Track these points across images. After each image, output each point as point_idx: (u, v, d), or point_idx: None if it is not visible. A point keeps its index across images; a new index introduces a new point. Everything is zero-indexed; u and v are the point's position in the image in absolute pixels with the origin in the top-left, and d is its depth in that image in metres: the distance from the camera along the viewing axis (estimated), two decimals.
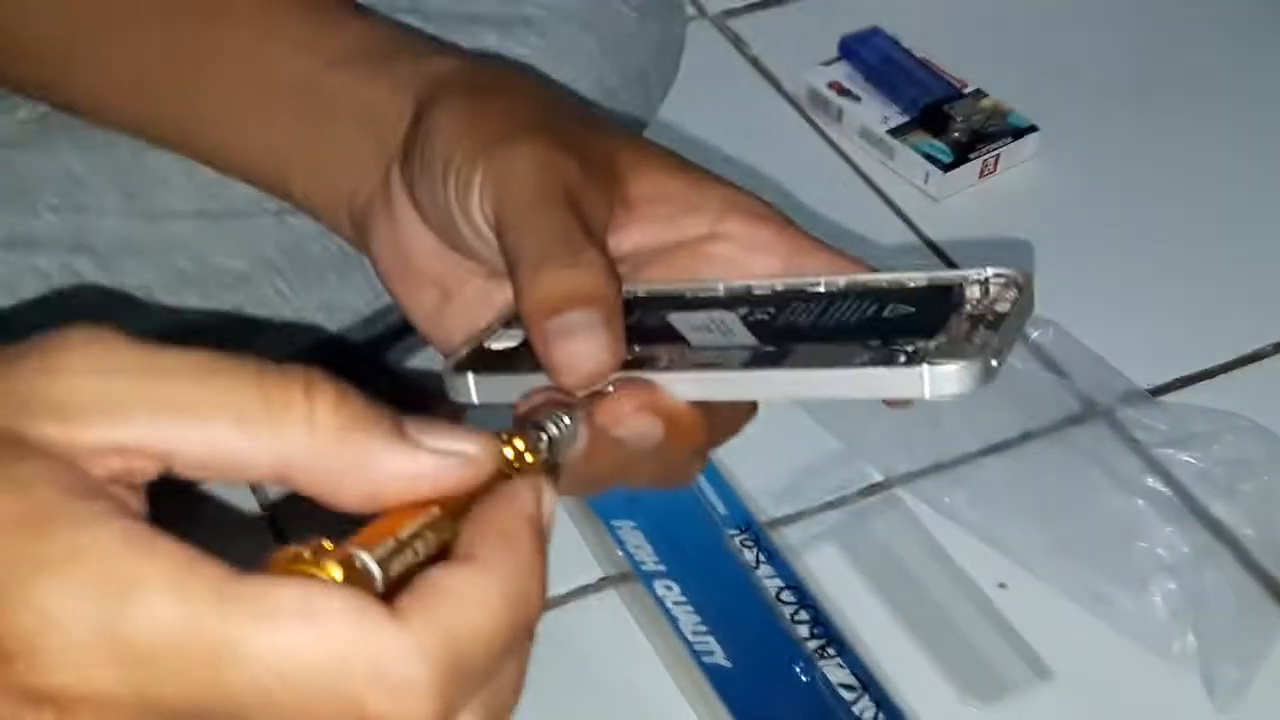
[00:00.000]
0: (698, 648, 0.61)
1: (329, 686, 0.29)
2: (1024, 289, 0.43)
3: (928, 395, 0.39)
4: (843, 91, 0.88)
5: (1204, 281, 0.80)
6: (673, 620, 0.61)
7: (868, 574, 0.65)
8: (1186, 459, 0.71)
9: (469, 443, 0.34)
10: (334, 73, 0.51)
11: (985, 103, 0.87)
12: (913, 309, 0.43)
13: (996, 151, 0.85)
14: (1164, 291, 0.79)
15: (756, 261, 0.46)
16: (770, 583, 0.63)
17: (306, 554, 0.31)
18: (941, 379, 0.39)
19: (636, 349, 0.44)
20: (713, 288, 0.46)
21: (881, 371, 0.40)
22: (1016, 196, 0.85)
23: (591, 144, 0.47)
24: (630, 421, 0.42)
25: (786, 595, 0.63)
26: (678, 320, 0.45)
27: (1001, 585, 0.66)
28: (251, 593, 0.29)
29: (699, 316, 0.45)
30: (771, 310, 0.45)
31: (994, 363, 0.40)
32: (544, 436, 0.40)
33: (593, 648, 0.62)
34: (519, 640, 0.32)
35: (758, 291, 0.46)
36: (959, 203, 0.84)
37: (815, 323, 0.44)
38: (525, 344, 0.45)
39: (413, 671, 0.30)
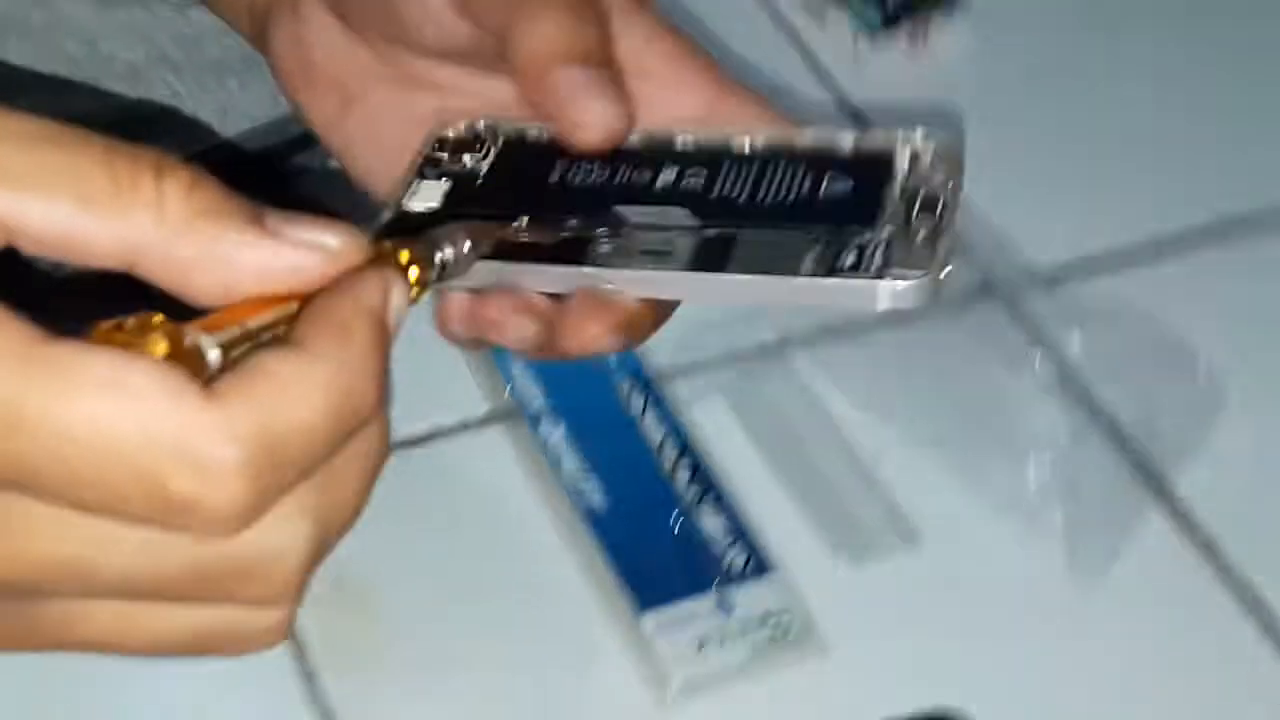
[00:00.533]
0: (578, 488, 0.62)
1: (130, 460, 0.29)
2: (954, 163, 0.43)
3: (879, 309, 0.40)
4: None
5: (1125, 163, 0.81)
6: (554, 460, 0.63)
7: (752, 430, 0.67)
8: (1076, 339, 0.72)
9: (331, 235, 0.32)
10: None
11: None
12: (849, 184, 0.43)
13: (927, 17, 0.85)
14: (1082, 172, 0.80)
15: (678, 101, 0.46)
16: (654, 431, 0.65)
17: (131, 324, 0.30)
18: (896, 295, 0.40)
19: (573, 220, 0.44)
20: (635, 141, 0.46)
21: (834, 283, 0.40)
22: (945, 66, 0.85)
23: None
24: (591, 340, 0.42)
25: (669, 443, 0.64)
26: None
27: (881, 451, 0.67)
28: (60, 358, 0.28)
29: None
30: (703, 176, 0.45)
31: (943, 274, 0.40)
32: (439, 256, 0.39)
33: (474, 482, 0.63)
34: (343, 437, 0.31)
35: (681, 147, 0.45)
36: (886, 68, 0.84)
37: (752, 197, 0.44)
38: (452, 194, 0.44)
39: (221, 451, 0.29)
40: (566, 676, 0.59)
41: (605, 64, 0.43)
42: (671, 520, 0.62)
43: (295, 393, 0.30)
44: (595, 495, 0.62)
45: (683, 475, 0.63)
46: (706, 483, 0.63)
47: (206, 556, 0.31)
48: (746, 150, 0.45)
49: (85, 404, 0.28)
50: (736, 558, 0.61)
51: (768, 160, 0.45)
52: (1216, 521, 0.66)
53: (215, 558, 0.31)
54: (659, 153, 0.46)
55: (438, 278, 0.40)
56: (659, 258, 0.43)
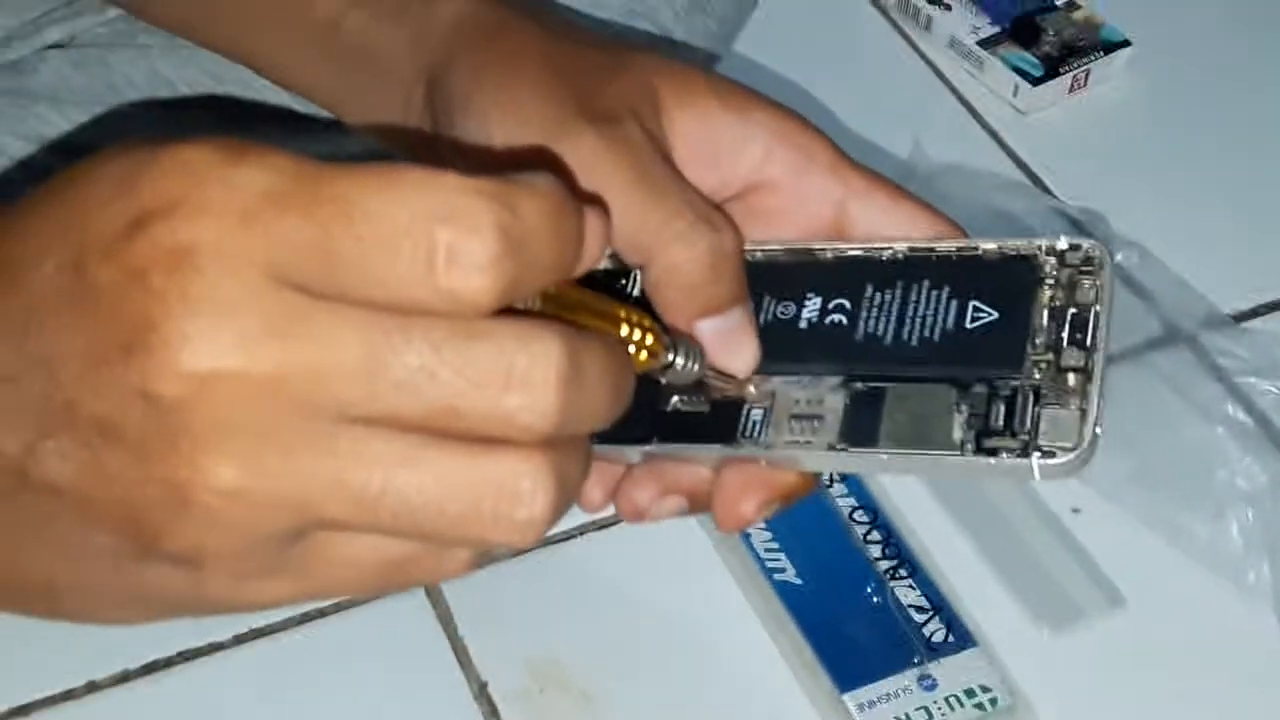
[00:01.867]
0: (769, 565, 0.61)
1: (404, 209, 0.32)
2: (1102, 269, 0.42)
3: (1037, 480, 0.41)
4: (932, 0, 0.86)
5: None
6: (745, 537, 0.62)
7: (941, 497, 0.65)
8: (1269, 388, 0.70)
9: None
10: (353, 12, 0.52)
11: (1078, 15, 0.85)
12: (994, 311, 0.42)
13: (1087, 66, 0.83)
14: (1253, 215, 0.78)
15: (806, 211, 0.46)
16: (844, 502, 0.63)
17: None
18: (1049, 471, 0.39)
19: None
20: (779, 259, 0.46)
21: (985, 463, 0.40)
22: (1106, 112, 0.83)
23: (625, 77, 0.46)
24: (747, 515, 0.44)
25: (859, 515, 0.63)
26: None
27: (1076, 510, 0.66)
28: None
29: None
30: (846, 311, 0.44)
31: (1098, 431, 0.39)
32: (673, 352, 0.41)
33: (664, 563, 0.62)
34: (575, 235, 0.34)
35: (822, 266, 0.45)
36: (1047, 117, 0.83)
37: (898, 336, 0.43)
38: None
39: (475, 202, 0.32)
40: None
41: (740, 300, 0.44)
42: (868, 593, 0.61)
43: (535, 186, 0.33)
44: (788, 570, 0.61)
45: (875, 546, 0.62)
46: (900, 553, 0.62)
47: (476, 346, 0.32)
48: (889, 268, 0.44)
49: (366, 179, 0.32)
50: (936, 631, 0.60)
51: (911, 281, 0.44)
52: None
53: (483, 342, 0.32)
54: (803, 278, 0.45)
55: (662, 368, 0.40)
56: (809, 425, 0.43)
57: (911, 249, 0.45)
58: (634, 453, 0.44)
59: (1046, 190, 0.79)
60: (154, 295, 0.31)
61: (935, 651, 0.59)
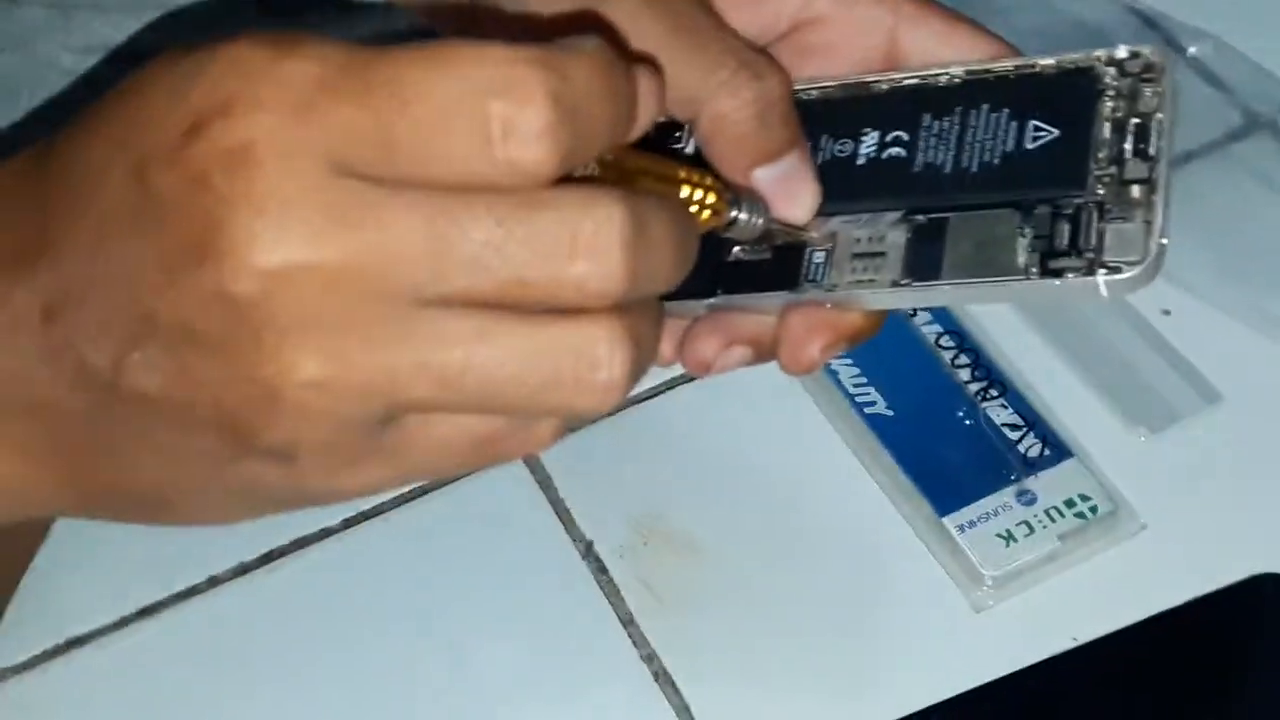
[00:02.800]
0: (859, 399, 0.62)
1: (456, 84, 0.32)
2: (1163, 77, 0.41)
3: (1104, 300, 0.40)
4: None
5: None
6: (832, 373, 0.62)
7: (1028, 314, 0.65)
8: None
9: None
10: None
11: None
12: (1055, 129, 0.42)
13: None
14: None
15: (858, 44, 0.45)
16: (929, 329, 0.63)
17: None
18: (1118, 287, 0.39)
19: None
20: (834, 94, 0.46)
21: (1054, 285, 0.40)
22: None
23: None
24: (816, 358, 0.44)
25: (946, 340, 0.63)
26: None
27: (1166, 312, 0.65)
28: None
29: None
30: (905, 143, 0.44)
31: (1164, 242, 0.39)
32: (736, 209, 0.41)
33: (754, 409, 0.63)
34: (628, 103, 0.34)
35: (878, 98, 0.45)
36: None
37: (957, 164, 0.43)
38: None
39: (526, 71, 0.32)
40: (879, 590, 0.58)
41: (793, 145, 0.44)
42: (960, 417, 0.61)
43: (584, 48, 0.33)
44: (878, 402, 0.61)
45: (964, 370, 0.62)
46: (989, 373, 0.62)
47: (540, 217, 0.33)
48: (945, 94, 0.44)
49: (415, 60, 0.32)
50: (1031, 446, 0.60)
51: (969, 106, 0.43)
52: None
53: (546, 212, 0.33)
54: (858, 113, 0.45)
55: (726, 225, 0.40)
56: (872, 263, 0.42)
57: (969, 72, 0.44)
58: (700, 306, 0.45)
59: None
60: (217, 196, 0.32)
61: (1032, 466, 0.60)
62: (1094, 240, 0.40)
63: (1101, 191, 0.40)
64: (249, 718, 0.56)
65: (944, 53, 0.45)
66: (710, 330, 0.45)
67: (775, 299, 0.44)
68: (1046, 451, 0.60)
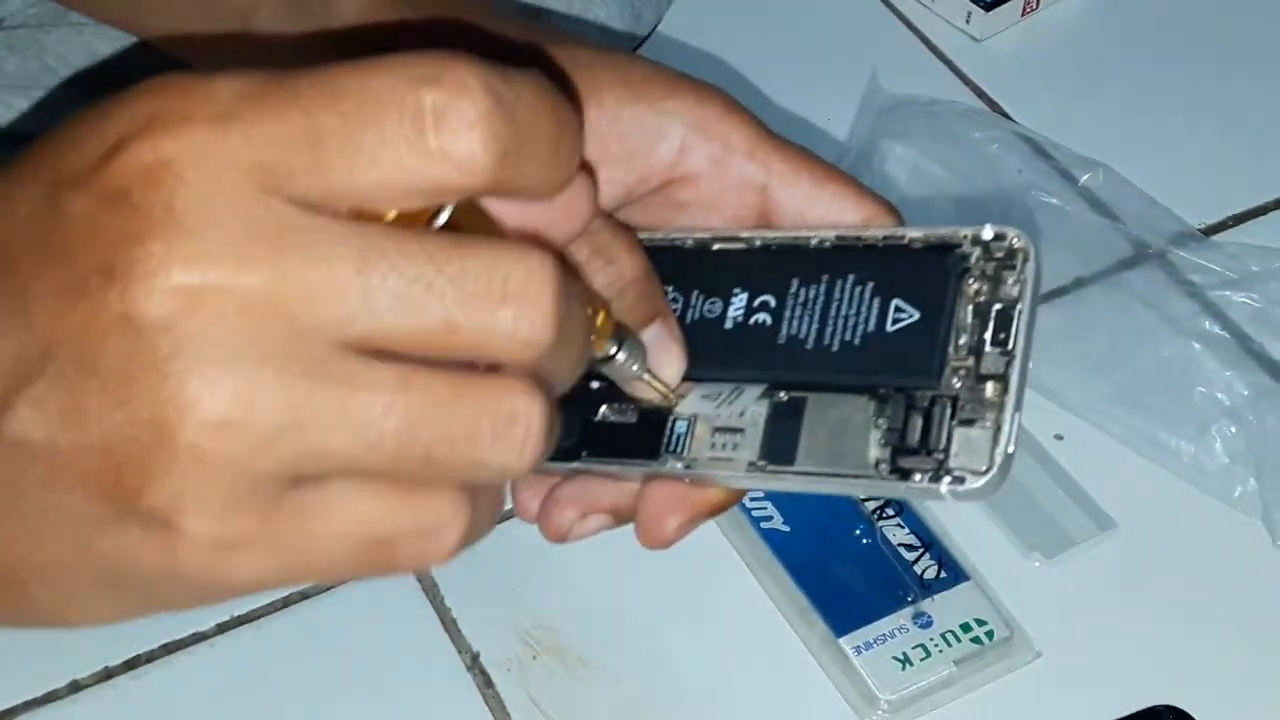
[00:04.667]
0: (756, 514, 0.60)
1: (386, 75, 0.31)
2: (1026, 263, 0.41)
3: (949, 502, 0.40)
4: None
5: (1254, 118, 0.78)
6: None
7: None
8: (1242, 300, 0.69)
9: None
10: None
11: None
12: (916, 311, 0.41)
13: None
14: (1215, 127, 0.77)
15: (729, 201, 0.45)
16: None
17: None
18: (961, 495, 0.39)
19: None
20: (707, 247, 0.45)
21: (901, 486, 0.40)
22: (1061, 32, 0.83)
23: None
24: (673, 533, 0.43)
25: None
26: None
27: (1058, 437, 0.65)
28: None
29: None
30: (771, 309, 0.43)
31: (1010, 451, 0.39)
32: (618, 345, 0.40)
33: None
34: (570, 116, 0.33)
35: (750, 244, 0.44)
36: (1002, 42, 0.82)
37: (819, 339, 0.42)
38: None
39: (459, 65, 0.31)
40: (772, 713, 0.57)
41: (654, 318, 0.43)
42: (857, 535, 0.60)
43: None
44: (775, 518, 0.60)
45: None
46: None
47: (471, 258, 0.31)
48: (815, 259, 0.43)
49: (344, 66, 0.31)
50: (928, 568, 0.59)
51: (835, 275, 0.43)
52: None
53: (478, 255, 0.31)
54: (730, 270, 0.44)
55: (605, 359, 0.39)
56: (731, 438, 0.42)
57: (839, 237, 0.44)
58: (564, 469, 0.44)
59: (1006, 116, 0.78)
60: (136, 212, 0.30)
61: (928, 588, 0.59)
62: (943, 441, 0.39)
63: (957, 384, 0.40)
64: None
65: (814, 211, 0.45)
66: (569, 500, 0.44)
67: (635, 469, 0.43)
68: (943, 573, 0.59)
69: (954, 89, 0.80)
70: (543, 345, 0.32)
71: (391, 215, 0.32)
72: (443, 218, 0.32)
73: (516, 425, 0.32)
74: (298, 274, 0.30)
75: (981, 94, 0.79)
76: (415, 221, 0.32)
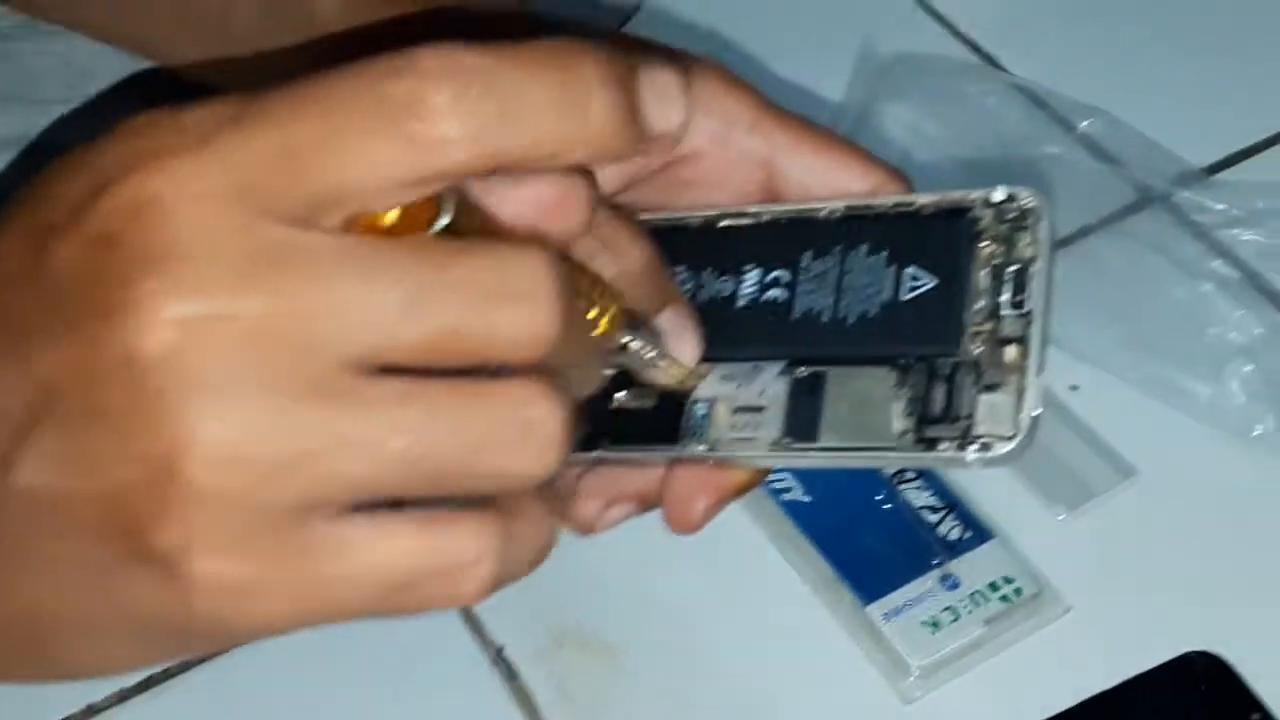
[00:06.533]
0: (776, 486, 0.60)
1: (356, 74, 0.30)
2: (1039, 222, 0.40)
3: (976, 469, 0.40)
4: None
5: (1251, 52, 0.77)
6: None
7: None
8: (1250, 237, 0.68)
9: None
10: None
11: None
12: (932, 277, 0.41)
13: None
14: (1214, 64, 0.76)
15: (734, 177, 0.44)
16: None
17: None
18: (989, 462, 0.39)
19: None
20: (717, 224, 0.45)
21: (927, 456, 0.39)
22: None
23: None
24: (700, 516, 0.43)
25: None
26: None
27: (1074, 387, 0.64)
28: None
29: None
30: (786, 285, 0.43)
31: (1035, 414, 0.38)
32: (635, 331, 0.39)
33: None
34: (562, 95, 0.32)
35: (759, 219, 0.44)
36: None
37: (835, 313, 0.42)
38: None
39: (431, 58, 0.30)
40: (802, 686, 0.56)
41: (666, 304, 0.43)
42: (878, 500, 0.60)
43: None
44: (794, 489, 0.60)
45: None
46: None
47: (469, 261, 0.31)
48: (826, 230, 0.43)
49: (319, 77, 0.30)
50: (951, 529, 0.59)
51: (848, 246, 0.42)
52: None
53: (475, 257, 0.31)
54: (740, 247, 0.44)
55: (619, 348, 0.39)
56: (752, 418, 0.41)
57: (849, 208, 0.43)
58: (584, 459, 0.44)
59: (1001, 68, 0.77)
60: (126, 251, 0.29)
61: (954, 549, 0.58)
62: (967, 409, 0.39)
63: (977, 351, 0.39)
64: None
65: (821, 182, 0.44)
66: (592, 491, 0.44)
67: (658, 455, 0.43)
68: (967, 534, 0.59)
69: (948, 44, 0.79)
70: (547, 341, 0.31)
71: (391, 219, 0.31)
72: (442, 222, 0.32)
73: (532, 427, 0.31)
74: (293, 294, 0.29)
75: (975, 48, 0.79)
76: (416, 227, 0.31)
